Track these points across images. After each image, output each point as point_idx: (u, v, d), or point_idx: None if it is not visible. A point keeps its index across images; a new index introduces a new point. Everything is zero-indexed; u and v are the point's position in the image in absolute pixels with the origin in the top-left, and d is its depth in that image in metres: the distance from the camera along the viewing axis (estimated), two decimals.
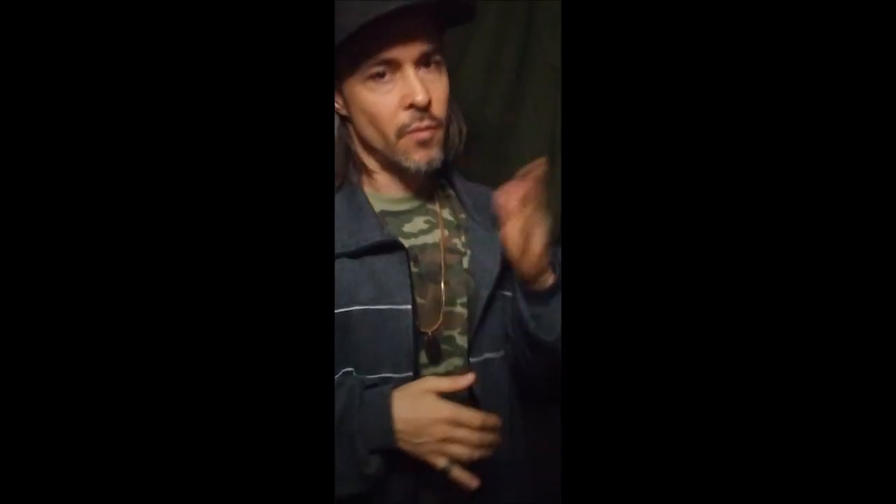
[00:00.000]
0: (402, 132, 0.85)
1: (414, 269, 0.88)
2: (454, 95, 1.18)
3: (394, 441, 0.80)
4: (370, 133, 0.87)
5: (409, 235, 0.90)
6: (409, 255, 0.87)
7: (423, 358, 0.88)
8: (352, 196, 0.89)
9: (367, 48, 0.82)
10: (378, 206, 0.90)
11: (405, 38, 0.83)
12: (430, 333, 0.88)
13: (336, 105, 0.89)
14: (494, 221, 0.93)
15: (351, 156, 0.91)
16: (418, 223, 0.92)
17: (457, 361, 0.90)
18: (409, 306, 0.85)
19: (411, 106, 0.84)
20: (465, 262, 0.93)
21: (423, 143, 0.86)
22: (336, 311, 0.82)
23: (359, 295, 0.84)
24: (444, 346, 0.89)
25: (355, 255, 0.85)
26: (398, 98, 0.84)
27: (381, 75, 0.84)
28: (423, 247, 0.91)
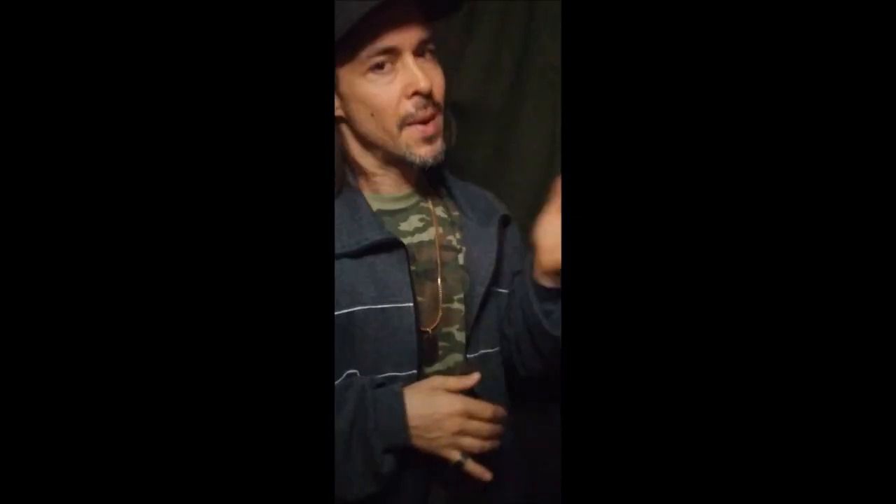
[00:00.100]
0: (404, 122, 0.85)
1: (412, 268, 0.88)
2: (454, 95, 1.19)
3: (408, 438, 0.80)
4: (371, 128, 0.87)
5: (405, 234, 0.91)
6: (408, 253, 0.87)
7: (424, 356, 0.89)
8: (350, 198, 0.89)
9: (367, 39, 0.83)
10: (374, 206, 0.90)
11: (402, 25, 0.83)
12: (429, 331, 0.89)
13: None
14: (488, 218, 0.95)
15: (347, 159, 0.91)
16: (413, 221, 0.92)
17: (457, 357, 0.90)
18: (411, 304, 0.85)
19: (414, 94, 0.84)
20: (461, 259, 0.93)
21: (428, 139, 0.86)
22: (338, 313, 0.83)
23: (361, 295, 0.84)
24: (443, 343, 0.90)
25: (356, 254, 0.85)
26: (400, 87, 0.85)
27: (380, 66, 0.84)
28: (420, 245, 0.91)
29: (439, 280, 0.91)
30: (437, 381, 0.84)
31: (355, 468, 0.80)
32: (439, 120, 0.87)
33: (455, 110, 1.18)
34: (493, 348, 0.94)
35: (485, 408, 0.83)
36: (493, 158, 1.19)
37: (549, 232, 0.87)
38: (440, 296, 0.90)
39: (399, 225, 0.91)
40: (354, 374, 0.84)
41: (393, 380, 0.84)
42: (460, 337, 0.91)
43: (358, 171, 0.91)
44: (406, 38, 0.84)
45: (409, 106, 0.85)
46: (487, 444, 0.83)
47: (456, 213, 0.97)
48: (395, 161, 0.90)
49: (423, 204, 0.95)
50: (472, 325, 0.91)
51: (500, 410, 0.85)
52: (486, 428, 0.83)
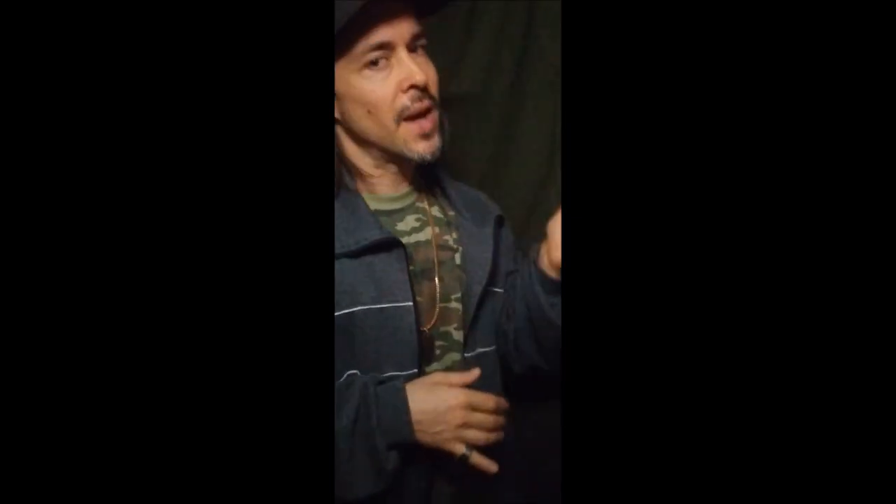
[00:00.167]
0: (401, 116, 0.86)
1: (410, 267, 0.88)
2: (454, 95, 1.20)
3: (412, 433, 0.81)
4: (367, 125, 0.87)
5: (402, 234, 0.91)
6: (406, 253, 0.87)
7: (422, 356, 0.89)
8: (348, 198, 0.89)
9: (361, 35, 0.83)
10: (371, 206, 0.90)
11: (395, 20, 0.84)
12: (426, 330, 0.89)
13: None
14: (483, 218, 0.96)
15: (343, 160, 0.91)
16: (410, 221, 0.93)
17: (455, 356, 0.91)
18: (411, 303, 0.85)
19: (410, 88, 0.85)
20: (458, 259, 0.94)
21: (425, 135, 0.86)
22: (338, 313, 0.83)
23: (360, 295, 0.84)
24: (441, 342, 0.90)
25: (355, 254, 0.85)
26: (396, 82, 0.85)
27: (375, 62, 0.84)
28: (417, 244, 0.91)
29: (437, 280, 0.91)
30: (439, 376, 0.85)
31: (359, 467, 0.80)
32: (435, 115, 0.88)
33: (455, 110, 1.19)
34: (489, 347, 0.94)
35: (487, 399, 0.84)
36: (493, 158, 1.19)
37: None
38: (437, 295, 0.90)
39: (396, 225, 0.91)
40: (355, 375, 0.84)
41: (394, 379, 0.84)
42: (458, 336, 0.91)
43: (354, 171, 0.91)
44: (399, 32, 0.84)
45: (405, 100, 0.85)
46: (492, 436, 0.84)
47: (451, 213, 0.97)
48: (392, 159, 0.91)
49: (419, 204, 0.95)
50: (470, 325, 0.91)
51: (503, 402, 0.85)
52: (489, 419, 0.83)
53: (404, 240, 0.89)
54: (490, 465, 0.83)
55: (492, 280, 0.94)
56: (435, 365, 0.89)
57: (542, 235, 0.92)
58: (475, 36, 1.19)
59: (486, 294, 0.93)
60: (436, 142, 0.88)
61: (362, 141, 0.90)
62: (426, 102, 0.86)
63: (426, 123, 0.86)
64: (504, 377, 0.97)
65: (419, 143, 0.86)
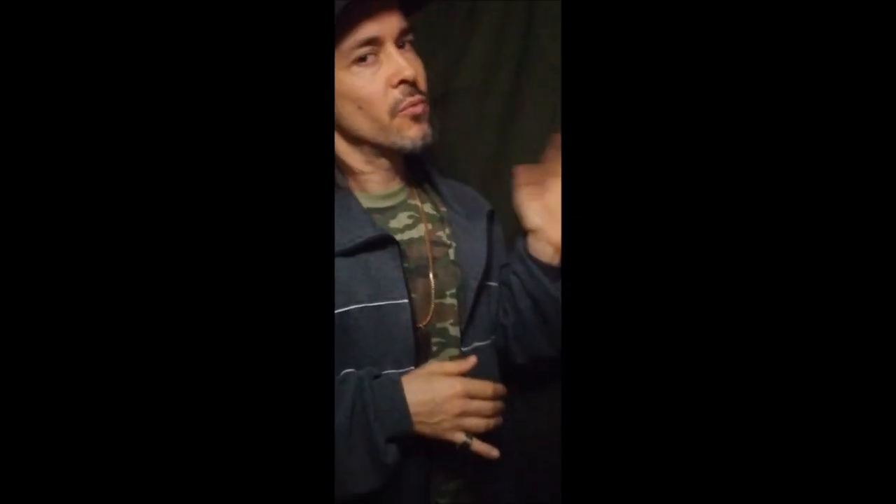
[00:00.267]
0: (395, 110, 0.86)
1: (404, 265, 0.88)
2: (454, 94, 1.20)
3: (411, 425, 0.81)
4: (359, 121, 0.88)
5: (395, 231, 0.91)
6: (400, 250, 0.88)
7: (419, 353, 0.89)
8: (340, 197, 0.89)
9: (349, 31, 0.83)
10: (364, 204, 0.91)
11: (383, 16, 0.85)
12: (422, 327, 0.89)
13: None
14: (476, 213, 0.97)
15: (334, 160, 0.91)
16: (402, 218, 0.93)
17: (452, 352, 0.91)
18: (406, 300, 0.86)
19: (401, 83, 0.85)
20: (452, 254, 0.94)
21: (417, 118, 0.87)
22: (335, 312, 0.83)
23: (356, 294, 0.84)
24: (438, 339, 0.90)
25: (350, 252, 0.85)
26: (385, 77, 0.85)
27: (363, 59, 0.85)
28: (410, 241, 0.92)
29: (431, 276, 0.91)
30: (435, 366, 0.85)
31: (358, 462, 0.79)
32: (426, 105, 0.88)
33: (455, 109, 1.19)
34: (485, 341, 0.94)
35: (485, 386, 0.84)
36: (493, 158, 1.19)
37: (541, 214, 0.93)
38: (432, 292, 0.91)
39: (389, 222, 0.92)
40: (351, 373, 0.84)
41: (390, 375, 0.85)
42: (455, 332, 0.91)
43: (345, 169, 0.92)
44: (387, 28, 0.85)
45: (396, 94, 0.86)
46: (491, 423, 0.84)
47: (444, 209, 0.97)
48: (383, 154, 0.91)
49: (411, 201, 0.95)
50: (467, 320, 0.92)
51: (500, 388, 0.86)
52: (488, 406, 0.84)
53: (398, 237, 0.89)
54: (491, 451, 0.83)
55: (487, 274, 0.94)
56: (432, 361, 0.89)
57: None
58: (475, 35, 1.19)
59: (481, 289, 0.94)
60: (426, 128, 0.88)
61: (353, 138, 0.90)
62: (417, 96, 0.87)
63: (418, 108, 0.87)
64: (502, 369, 0.98)
65: (412, 127, 0.87)
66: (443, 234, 0.95)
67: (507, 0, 1.18)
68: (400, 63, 0.85)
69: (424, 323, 0.89)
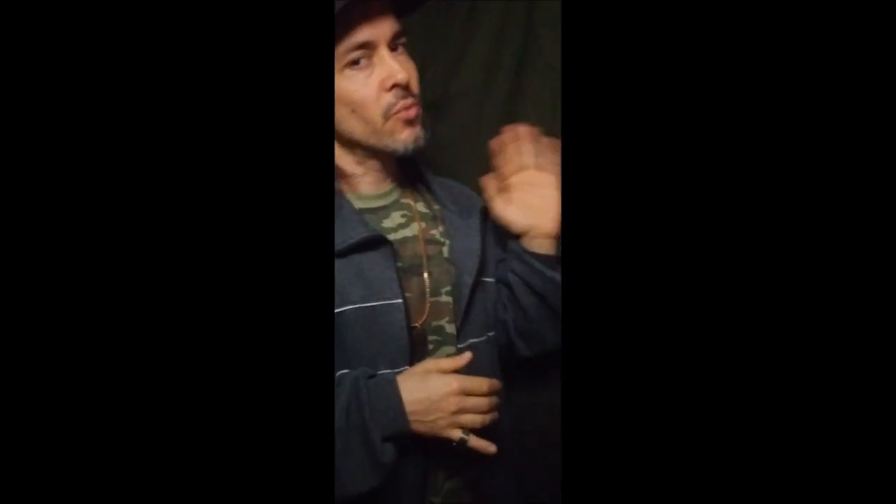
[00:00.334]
0: (388, 113, 0.86)
1: (398, 264, 0.88)
2: (454, 95, 1.20)
3: (407, 423, 0.81)
4: (352, 124, 0.88)
5: (388, 231, 0.91)
6: (393, 249, 0.88)
7: (414, 352, 0.89)
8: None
9: (342, 35, 0.83)
10: (356, 205, 0.91)
11: (376, 19, 0.84)
12: (418, 326, 0.89)
13: None
14: (469, 210, 0.97)
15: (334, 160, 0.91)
16: (395, 218, 0.93)
17: (449, 350, 0.91)
18: (401, 300, 0.86)
19: (394, 86, 0.85)
20: (446, 252, 0.94)
21: (409, 122, 0.87)
22: None
23: (350, 294, 0.84)
24: (434, 337, 0.90)
25: (342, 253, 0.85)
26: (378, 81, 0.85)
27: (356, 62, 0.85)
28: (404, 240, 0.92)
29: (426, 274, 0.91)
30: (430, 363, 0.85)
31: (355, 462, 0.79)
32: (419, 108, 0.88)
33: (455, 110, 1.19)
34: (479, 338, 0.94)
35: (480, 383, 0.84)
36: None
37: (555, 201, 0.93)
38: (427, 290, 0.91)
39: (382, 222, 0.92)
40: (346, 374, 0.84)
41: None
42: (451, 329, 0.91)
43: (337, 171, 0.92)
44: (380, 31, 0.85)
45: (389, 97, 0.86)
46: (488, 419, 0.84)
47: (437, 207, 0.97)
48: (375, 156, 0.91)
49: (403, 200, 0.95)
50: (462, 317, 0.92)
51: (496, 383, 0.86)
52: (484, 402, 0.84)
53: (391, 237, 0.89)
54: (488, 447, 0.83)
55: (481, 271, 0.95)
56: (428, 360, 0.89)
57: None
58: (475, 36, 1.19)
59: (477, 285, 0.94)
60: (418, 131, 0.88)
61: (345, 140, 0.90)
62: (409, 100, 0.87)
63: (411, 111, 0.87)
64: (503, 364, 0.98)
65: (405, 130, 0.87)
66: (436, 233, 0.95)
67: (507, 0, 1.18)
68: (393, 67, 0.85)
69: (420, 322, 0.89)
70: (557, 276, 0.93)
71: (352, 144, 0.90)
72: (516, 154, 0.96)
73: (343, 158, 0.91)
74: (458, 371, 0.84)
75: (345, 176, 0.92)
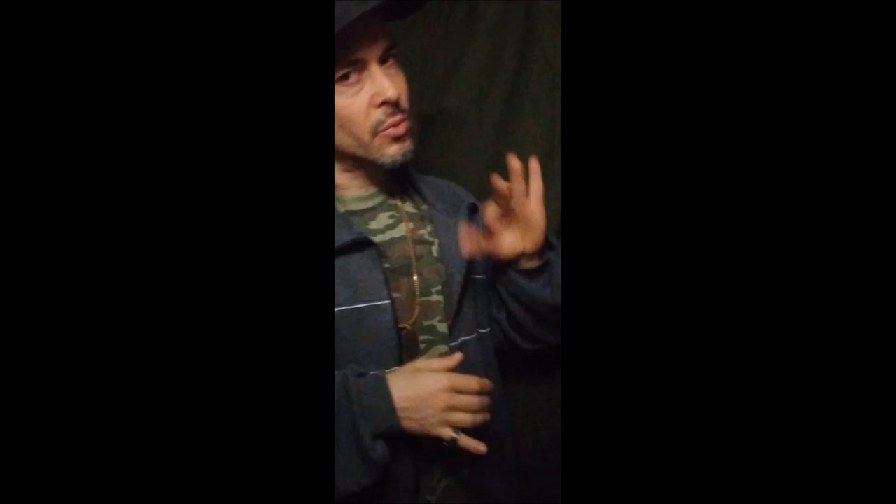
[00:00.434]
0: (376, 129, 0.86)
1: (385, 265, 0.88)
2: (455, 95, 1.20)
3: (397, 421, 0.81)
4: (340, 137, 0.88)
5: (375, 232, 0.91)
6: (379, 251, 0.88)
7: (404, 353, 0.89)
8: None
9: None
10: (341, 209, 0.91)
11: (368, 37, 0.83)
12: (408, 327, 0.89)
13: None
14: (456, 208, 0.97)
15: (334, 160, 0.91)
16: (383, 219, 0.93)
17: (441, 349, 0.91)
18: (388, 301, 0.86)
19: (383, 103, 0.85)
20: (435, 251, 0.94)
21: (398, 139, 0.87)
22: None
23: (337, 297, 0.84)
24: (426, 336, 0.90)
25: None
26: (368, 97, 0.85)
27: (346, 77, 0.84)
28: (391, 241, 0.92)
29: (415, 275, 0.91)
30: (421, 362, 0.85)
31: (346, 459, 0.79)
32: (407, 122, 0.88)
33: (455, 110, 1.19)
34: (470, 335, 0.94)
35: (471, 381, 0.84)
36: (493, 159, 1.19)
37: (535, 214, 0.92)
38: (417, 290, 0.90)
39: (368, 224, 0.92)
40: (335, 374, 0.84)
41: None
42: (442, 328, 0.91)
43: None
44: (372, 48, 0.84)
45: (378, 114, 0.85)
46: (479, 418, 0.84)
47: (424, 207, 0.97)
48: (362, 165, 0.91)
49: (390, 201, 0.95)
50: (454, 315, 0.92)
51: (487, 383, 0.86)
52: (474, 401, 0.84)
53: (378, 238, 0.90)
54: (479, 446, 0.83)
55: (471, 268, 0.95)
56: (419, 359, 0.89)
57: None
58: (475, 36, 1.19)
59: (467, 283, 0.94)
60: (407, 144, 0.88)
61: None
62: (398, 116, 0.86)
63: (399, 129, 0.86)
64: (502, 362, 0.99)
65: (392, 146, 0.87)
66: (425, 232, 0.95)
67: (507, 0, 1.18)
68: (383, 83, 0.84)
69: (410, 322, 0.89)
70: (535, 288, 0.94)
71: (340, 155, 0.90)
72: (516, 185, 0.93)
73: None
74: (449, 371, 0.84)
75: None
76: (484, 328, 0.98)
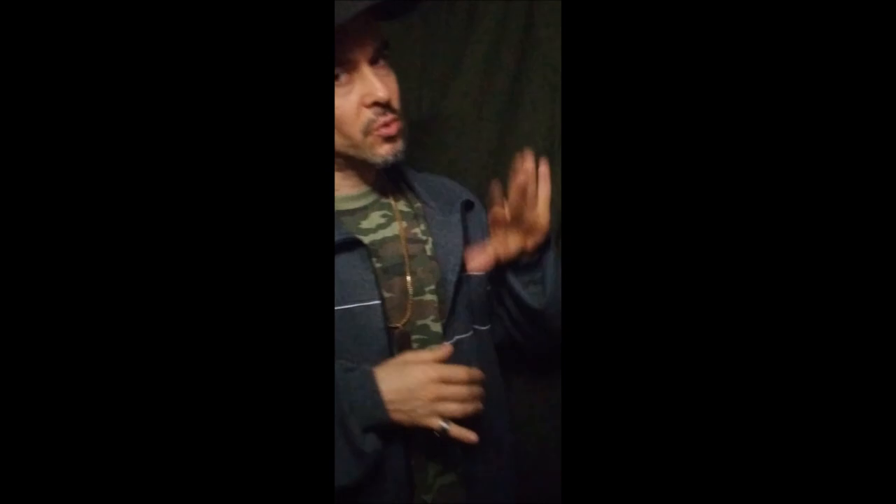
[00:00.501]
0: (368, 129, 0.86)
1: (377, 265, 0.88)
2: (455, 95, 1.20)
3: (387, 413, 0.80)
4: None
5: (367, 231, 0.91)
6: (368, 251, 0.87)
7: (395, 353, 0.88)
8: None
9: None
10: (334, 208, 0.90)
11: (359, 38, 0.83)
12: (399, 326, 0.89)
13: None
14: (450, 206, 0.97)
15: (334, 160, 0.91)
16: (375, 218, 0.92)
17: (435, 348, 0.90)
18: (378, 301, 0.85)
19: (374, 104, 0.85)
20: (429, 250, 0.93)
21: (390, 139, 0.87)
22: None
23: None
24: (420, 336, 0.90)
25: None
26: (358, 98, 0.85)
27: (336, 77, 0.84)
28: (383, 241, 0.91)
29: (408, 275, 0.90)
30: (409, 355, 0.84)
31: (337, 453, 0.79)
32: (399, 123, 0.88)
33: (455, 110, 1.19)
34: (465, 334, 0.94)
35: (459, 371, 0.83)
36: (493, 158, 1.19)
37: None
38: (410, 290, 0.90)
39: (360, 223, 0.91)
40: None
41: None
42: (436, 328, 0.91)
43: None
44: (364, 49, 0.84)
45: (369, 114, 0.85)
46: (469, 407, 0.83)
47: (418, 205, 0.97)
48: (353, 165, 0.91)
49: (383, 200, 0.95)
50: (448, 314, 0.92)
51: (476, 372, 0.85)
52: (463, 391, 0.83)
53: (370, 237, 0.89)
54: (469, 436, 0.82)
55: (464, 266, 0.94)
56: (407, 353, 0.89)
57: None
58: (475, 36, 1.19)
59: (461, 282, 0.93)
60: (398, 144, 0.88)
61: None
62: (389, 116, 0.86)
63: (391, 129, 0.86)
64: (504, 356, 0.99)
65: (383, 146, 0.87)
66: (418, 231, 0.94)
67: (507, 0, 1.18)
68: (374, 84, 0.84)
69: (403, 322, 0.89)
70: (527, 296, 0.95)
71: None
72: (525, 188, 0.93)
73: None
74: (438, 362, 0.83)
75: None
76: (483, 325, 0.98)
